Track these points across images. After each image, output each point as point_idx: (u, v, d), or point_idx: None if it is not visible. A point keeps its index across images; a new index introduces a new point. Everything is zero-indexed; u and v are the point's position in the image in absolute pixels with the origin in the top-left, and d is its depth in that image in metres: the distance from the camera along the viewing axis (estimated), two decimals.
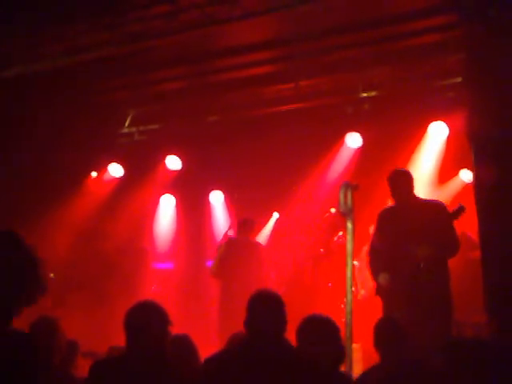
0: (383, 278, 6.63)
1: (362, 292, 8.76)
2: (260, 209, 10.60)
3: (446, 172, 9.69)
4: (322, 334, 4.10)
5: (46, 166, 10.05)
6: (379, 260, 6.77)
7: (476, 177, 6.57)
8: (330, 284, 9.24)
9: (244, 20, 7.50)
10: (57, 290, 9.93)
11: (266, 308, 3.79)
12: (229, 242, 8.75)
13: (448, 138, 9.51)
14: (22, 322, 5.26)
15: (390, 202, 7.07)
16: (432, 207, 6.77)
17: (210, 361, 3.73)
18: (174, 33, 7.79)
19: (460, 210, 6.54)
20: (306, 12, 7.40)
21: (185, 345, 4.47)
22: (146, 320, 3.93)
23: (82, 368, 5.45)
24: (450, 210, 6.62)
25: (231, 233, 8.94)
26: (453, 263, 6.83)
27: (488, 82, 6.56)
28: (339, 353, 4.16)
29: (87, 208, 10.97)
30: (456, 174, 9.68)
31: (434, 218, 6.58)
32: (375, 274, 6.77)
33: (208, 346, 5.83)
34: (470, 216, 6.73)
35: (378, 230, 6.93)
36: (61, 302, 9.07)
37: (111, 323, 4.68)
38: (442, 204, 6.83)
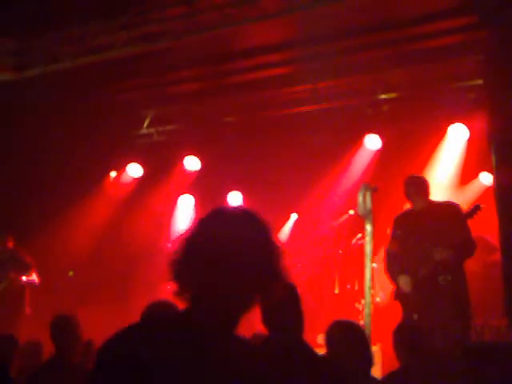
0: (403, 280, 6.59)
1: (381, 294, 8.71)
2: (278, 210, 10.58)
3: (466, 175, 9.61)
4: (351, 339, 4.08)
5: (65, 166, 10.10)
6: (396, 263, 6.75)
7: (496, 179, 6.52)
8: (348, 286, 9.21)
9: (262, 21, 7.49)
10: (77, 288, 10.01)
11: (284, 305, 3.73)
12: None
13: (468, 140, 9.44)
14: (42, 320, 5.32)
15: (408, 205, 7.05)
16: (447, 209, 6.75)
17: None
18: (191, 34, 7.79)
19: (475, 209, 6.51)
20: (324, 13, 7.38)
21: None
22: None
23: None
24: (466, 209, 6.58)
25: None
26: (471, 266, 6.78)
27: (509, 84, 6.50)
28: (369, 357, 4.13)
29: (107, 208, 11.02)
30: (476, 176, 9.60)
31: (449, 219, 6.56)
32: (393, 276, 6.75)
33: None
34: (489, 219, 6.68)
35: (394, 234, 6.92)
36: (81, 301, 9.13)
37: (130, 320, 4.66)
38: (457, 205, 6.80)
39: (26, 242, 9.18)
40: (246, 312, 2.10)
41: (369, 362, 4.12)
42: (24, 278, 8.74)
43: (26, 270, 8.76)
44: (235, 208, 2.45)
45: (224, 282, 2.03)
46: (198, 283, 2.08)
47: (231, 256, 2.02)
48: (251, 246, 2.09)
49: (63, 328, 4.91)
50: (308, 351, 3.58)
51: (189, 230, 2.14)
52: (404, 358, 4.89)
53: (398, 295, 6.70)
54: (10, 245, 8.94)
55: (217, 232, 2.08)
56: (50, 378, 4.66)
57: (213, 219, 2.15)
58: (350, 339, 4.07)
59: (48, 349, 5.72)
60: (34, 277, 8.88)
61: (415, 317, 6.38)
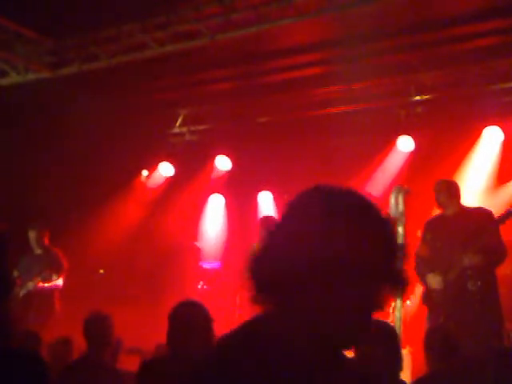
0: (434, 279, 6.54)
1: (412, 297, 8.64)
2: None
3: (500, 178, 9.49)
4: (383, 339, 4.03)
5: (97, 164, 10.21)
6: (426, 266, 6.70)
7: None
8: None
9: (297, 21, 7.47)
10: (108, 286, 10.08)
11: None
12: None
13: (503, 143, 9.32)
14: (72, 318, 5.37)
15: (438, 211, 7.01)
16: (479, 215, 6.69)
17: None
18: (226, 33, 7.81)
19: (508, 214, 6.42)
20: (360, 14, 7.34)
21: None
22: (188, 319, 3.95)
23: (126, 363, 5.51)
24: (498, 215, 6.51)
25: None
26: (502, 270, 6.71)
27: None
28: (399, 359, 4.08)
29: (138, 206, 11.11)
30: (510, 180, 9.48)
31: (481, 225, 6.50)
32: (422, 277, 6.71)
33: None
34: None
35: (424, 238, 6.88)
36: (111, 299, 9.18)
37: (159, 320, 4.71)
38: (489, 211, 6.73)
39: (59, 239, 9.27)
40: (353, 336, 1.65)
41: (398, 365, 4.08)
42: (46, 284, 8.69)
43: (56, 271, 8.73)
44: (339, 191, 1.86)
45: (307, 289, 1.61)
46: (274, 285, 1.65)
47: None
48: (358, 242, 1.64)
49: (98, 327, 4.95)
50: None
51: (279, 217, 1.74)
52: (434, 363, 4.84)
53: (426, 299, 6.65)
54: (46, 241, 8.97)
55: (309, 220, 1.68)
56: (80, 375, 4.70)
57: (309, 204, 1.74)
58: (381, 339, 4.03)
59: (77, 346, 5.79)
60: (60, 281, 8.82)
61: (441, 320, 6.33)
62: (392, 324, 5.33)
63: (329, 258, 1.60)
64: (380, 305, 1.66)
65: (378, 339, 3.99)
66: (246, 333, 1.63)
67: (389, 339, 4.06)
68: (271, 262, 1.65)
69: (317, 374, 1.50)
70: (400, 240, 5.44)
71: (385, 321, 4.33)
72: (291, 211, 1.76)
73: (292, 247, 1.63)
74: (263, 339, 1.56)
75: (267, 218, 9.03)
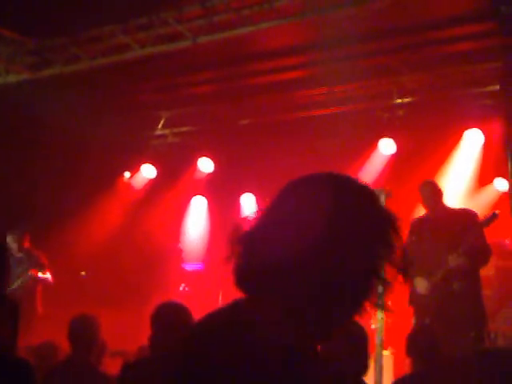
0: (420, 283, 6.58)
1: (393, 298, 8.67)
2: None
3: (481, 180, 9.57)
4: (348, 336, 4.03)
5: (79, 166, 10.15)
6: (411, 268, 6.73)
7: None
8: None
9: (278, 24, 7.48)
10: (89, 288, 10.04)
11: None
12: None
13: (483, 145, 9.39)
14: (61, 320, 5.33)
15: (423, 211, 7.05)
16: (463, 216, 6.74)
17: None
18: (207, 35, 7.81)
19: (492, 217, 6.48)
20: (341, 17, 7.36)
21: None
22: (170, 319, 3.95)
23: (109, 366, 5.49)
24: (483, 217, 6.56)
25: None
26: (483, 271, 6.76)
27: None
28: (364, 361, 4.07)
29: (120, 208, 11.06)
30: (491, 182, 9.56)
31: (466, 226, 6.54)
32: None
33: None
34: (505, 224, 6.64)
35: (410, 240, 6.91)
36: (93, 301, 9.14)
37: (142, 322, 4.70)
38: (473, 212, 6.79)
39: (39, 241, 9.22)
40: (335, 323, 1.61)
41: (363, 365, 4.06)
42: (40, 275, 8.77)
43: (41, 269, 8.81)
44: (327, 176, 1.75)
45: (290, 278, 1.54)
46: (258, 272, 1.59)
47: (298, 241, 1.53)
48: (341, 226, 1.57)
49: (83, 328, 4.89)
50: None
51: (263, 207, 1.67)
52: (416, 364, 4.87)
53: (412, 300, 6.68)
54: (26, 244, 8.97)
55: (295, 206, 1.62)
56: (66, 377, 4.66)
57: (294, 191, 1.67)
58: (348, 338, 4.03)
59: (61, 349, 5.75)
60: (49, 275, 8.92)
61: (427, 321, 6.37)
62: (374, 325, 5.36)
63: (330, 249, 1.54)
64: (364, 304, 1.63)
65: (344, 337, 4.00)
66: (222, 321, 1.57)
67: (355, 338, 4.06)
68: (268, 244, 1.59)
69: (292, 365, 1.43)
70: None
71: (357, 322, 4.33)
72: (295, 193, 1.69)
73: (291, 232, 1.57)
74: (240, 328, 1.52)
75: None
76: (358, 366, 3.99)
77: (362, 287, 1.59)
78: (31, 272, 8.72)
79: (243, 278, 1.65)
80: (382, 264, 1.59)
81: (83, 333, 4.82)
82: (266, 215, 1.65)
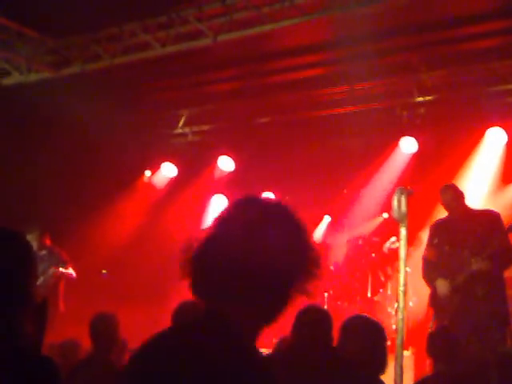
0: (441, 283, 6.52)
1: (414, 299, 8.62)
2: (311, 211, 10.54)
3: (504, 179, 9.46)
4: (367, 334, 4.02)
5: (100, 165, 10.19)
6: (434, 270, 6.68)
7: None
8: (381, 290, 9.13)
9: (299, 21, 7.45)
10: (110, 286, 10.08)
11: (313, 323, 3.73)
12: None
13: (506, 144, 9.29)
14: (83, 318, 5.35)
15: (441, 212, 7.00)
16: (485, 217, 6.67)
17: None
18: (228, 33, 7.80)
19: None
20: (362, 14, 7.32)
21: None
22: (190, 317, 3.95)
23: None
24: (508, 220, 6.49)
25: None
26: (508, 273, 6.69)
27: None
28: (382, 359, 4.06)
29: (141, 207, 11.09)
30: None
31: (489, 229, 6.47)
32: (431, 282, 6.68)
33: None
34: None
35: (431, 242, 6.86)
36: (114, 299, 9.18)
37: (162, 320, 4.70)
38: (496, 213, 6.71)
39: (61, 239, 9.28)
40: (263, 323, 1.90)
41: (381, 364, 4.04)
42: (62, 269, 8.85)
43: (63, 266, 8.90)
44: (262, 201, 2.11)
45: (234, 286, 1.84)
46: (207, 284, 1.92)
47: (244, 257, 1.84)
48: (277, 246, 1.87)
49: (104, 326, 4.93)
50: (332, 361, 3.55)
51: (212, 222, 1.98)
52: (437, 365, 4.83)
53: (433, 301, 6.63)
54: (47, 242, 9.05)
55: (236, 226, 1.91)
56: (87, 376, 4.68)
57: (237, 211, 1.99)
58: (366, 335, 4.01)
59: (83, 347, 5.77)
60: (72, 271, 9.01)
61: (446, 323, 6.32)
62: (395, 326, 5.32)
63: (258, 261, 1.83)
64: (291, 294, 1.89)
65: (363, 335, 3.98)
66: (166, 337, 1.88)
67: (374, 338, 4.04)
68: (212, 258, 1.90)
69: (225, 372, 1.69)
70: (403, 241, 5.42)
71: (375, 320, 4.29)
72: (228, 217, 1.98)
73: (230, 248, 1.87)
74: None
75: None
76: (376, 365, 3.97)
77: (287, 283, 1.89)
78: (53, 270, 8.80)
79: (197, 287, 1.96)
80: (301, 266, 1.90)
81: (104, 331, 4.85)
82: (211, 234, 1.96)
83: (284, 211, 1.99)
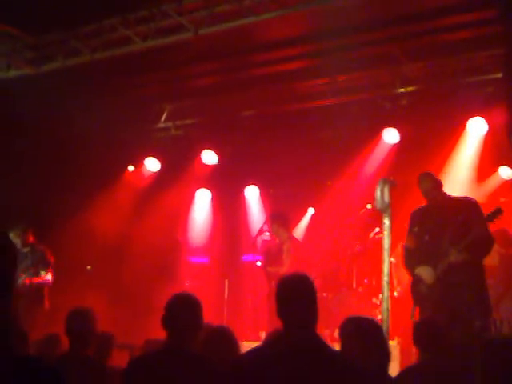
0: (425, 271, 6.56)
1: (399, 289, 8.69)
2: (295, 204, 10.59)
3: (484, 168, 9.55)
4: (365, 337, 4.05)
5: (83, 160, 10.16)
6: (414, 257, 6.74)
7: None
8: (365, 280, 9.19)
9: (280, 14, 7.47)
10: (96, 282, 10.06)
11: (297, 298, 3.67)
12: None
13: (487, 133, 9.37)
14: (61, 315, 5.34)
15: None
16: (464, 205, 6.72)
17: (249, 354, 3.70)
18: (209, 27, 7.79)
19: (496, 212, 6.46)
20: (343, 6, 7.34)
21: (225, 337, 4.47)
22: (187, 313, 3.97)
23: (118, 359, 5.50)
24: (487, 210, 6.54)
25: (266, 228, 8.96)
26: (487, 260, 6.76)
27: None
28: (384, 356, 4.08)
29: (124, 202, 11.06)
30: (495, 170, 9.54)
31: (468, 218, 6.52)
32: (411, 268, 6.75)
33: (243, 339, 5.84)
34: (509, 213, 6.63)
35: (411, 230, 6.91)
36: (99, 295, 9.17)
37: (149, 314, 4.71)
38: (474, 200, 6.76)
39: (44, 236, 9.24)
40: None
41: (383, 360, 4.07)
42: (33, 277, 8.73)
43: (44, 267, 8.78)
44: None
45: None
46: None
47: None
48: None
49: (79, 322, 4.88)
50: (322, 346, 3.56)
51: None
52: (423, 354, 4.87)
53: (414, 289, 6.69)
54: (31, 239, 8.98)
55: None
56: (64, 371, 4.64)
57: None
58: (363, 337, 4.04)
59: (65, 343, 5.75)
60: (49, 276, 8.87)
61: (429, 312, 6.38)
62: (380, 316, 5.36)
63: None
64: None
65: (358, 336, 4.01)
66: None
67: (369, 334, 4.07)
68: None
69: None
70: (387, 232, 5.46)
71: (367, 317, 4.33)
72: None
73: None
74: None
75: (278, 214, 9.08)
76: (379, 359, 3.99)
77: None
78: (22, 279, 8.67)
79: None
80: None
81: (79, 327, 4.80)
82: None
83: None
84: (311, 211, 11.17)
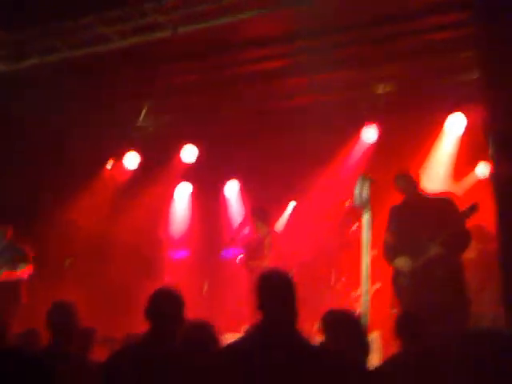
0: (402, 261, 6.63)
1: (378, 284, 8.75)
2: (276, 199, 10.61)
3: (463, 165, 9.68)
4: (345, 329, 4.09)
5: (62, 156, 10.12)
6: (394, 250, 6.82)
7: (493, 170, 6.55)
8: (343, 279, 9.25)
9: (259, 14, 7.50)
10: (74, 277, 10.04)
11: (276, 293, 3.71)
12: None
13: (465, 131, 9.50)
14: (39, 309, 5.32)
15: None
16: (441, 200, 6.82)
17: (228, 348, 3.73)
18: (188, 25, 7.79)
19: (472, 208, 6.55)
20: (322, 6, 7.39)
21: (205, 331, 4.49)
22: (170, 306, 3.98)
23: (99, 354, 5.49)
24: (464, 206, 6.63)
25: (247, 222, 9.03)
26: (466, 254, 6.85)
27: (505, 78, 6.53)
28: (364, 348, 4.13)
29: (104, 198, 11.03)
30: (473, 168, 9.66)
31: (445, 213, 6.61)
32: (391, 260, 6.83)
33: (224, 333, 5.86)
34: (486, 209, 6.72)
35: (389, 227, 6.98)
36: (78, 289, 9.15)
37: (130, 309, 4.71)
38: (451, 196, 6.87)
39: (23, 231, 9.21)
40: None
41: (363, 352, 4.12)
42: (17, 273, 8.73)
43: (22, 262, 8.79)
44: None
45: None
46: None
47: None
48: None
49: (61, 316, 4.83)
50: (301, 340, 3.59)
51: None
52: (405, 345, 4.93)
53: (394, 281, 6.76)
54: (9, 235, 8.97)
55: None
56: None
57: None
58: (343, 329, 4.09)
59: (45, 337, 5.71)
60: (28, 271, 8.86)
61: (408, 305, 6.44)
62: (360, 309, 5.41)
63: None
64: None
65: (338, 328, 4.05)
66: None
67: (349, 327, 4.11)
68: None
69: None
70: (366, 226, 5.52)
71: (345, 310, 4.38)
72: None
73: None
74: None
75: (258, 208, 9.13)
76: (357, 351, 4.04)
77: None
78: (2, 274, 8.68)
79: None
80: None
81: (60, 321, 4.75)
82: None
83: None
84: (292, 204, 11.21)
